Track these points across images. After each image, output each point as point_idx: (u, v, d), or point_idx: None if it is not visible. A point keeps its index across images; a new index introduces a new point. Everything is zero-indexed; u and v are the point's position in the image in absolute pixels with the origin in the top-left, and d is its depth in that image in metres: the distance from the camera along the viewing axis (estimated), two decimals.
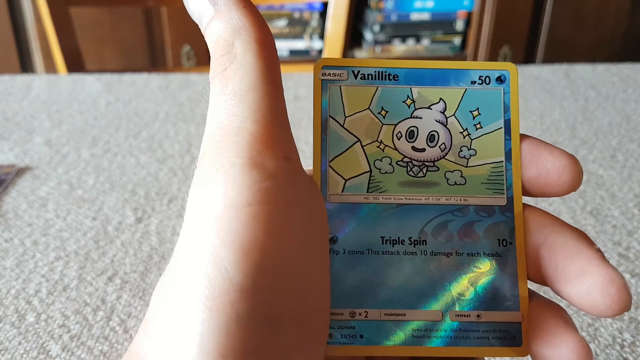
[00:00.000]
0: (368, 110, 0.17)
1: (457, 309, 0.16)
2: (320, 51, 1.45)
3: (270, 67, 0.15)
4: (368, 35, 1.48)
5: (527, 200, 0.17)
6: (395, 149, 0.17)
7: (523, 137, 0.17)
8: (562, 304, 0.18)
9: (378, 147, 0.17)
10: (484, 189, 0.17)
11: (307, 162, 0.17)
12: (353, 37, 1.51)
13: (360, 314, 0.16)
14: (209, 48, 0.16)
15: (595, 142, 0.48)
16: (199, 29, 0.17)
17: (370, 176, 0.17)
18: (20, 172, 0.43)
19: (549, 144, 0.17)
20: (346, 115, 0.17)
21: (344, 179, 0.17)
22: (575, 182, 0.16)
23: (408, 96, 0.17)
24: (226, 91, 0.15)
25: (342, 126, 0.17)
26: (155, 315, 0.13)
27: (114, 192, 0.41)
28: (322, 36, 1.44)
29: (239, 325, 0.12)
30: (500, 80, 0.17)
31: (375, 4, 1.44)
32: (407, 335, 0.16)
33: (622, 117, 0.52)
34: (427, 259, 0.16)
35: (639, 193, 0.41)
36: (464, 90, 0.17)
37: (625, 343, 0.29)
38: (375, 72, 0.17)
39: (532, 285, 0.17)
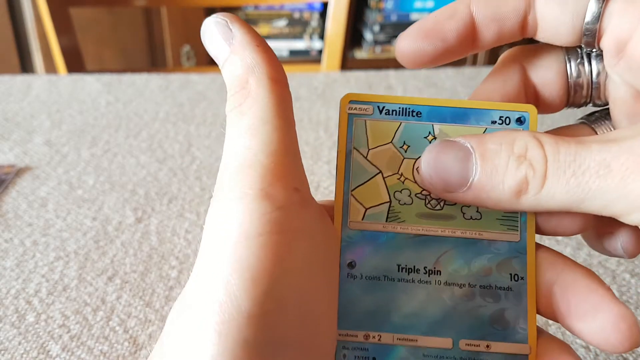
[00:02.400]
0: (390, 144, 0.18)
1: (467, 339, 0.17)
2: (320, 51, 1.45)
3: (282, 102, 0.16)
4: (368, 35, 1.48)
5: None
6: (415, 182, 0.18)
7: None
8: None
9: (398, 179, 0.18)
10: (498, 224, 0.17)
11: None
12: (353, 37, 1.51)
13: (374, 337, 0.17)
14: (226, 84, 0.17)
15: None
16: (199, 29, 0.17)
17: (390, 206, 0.18)
18: (20, 172, 0.43)
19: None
20: (369, 148, 0.18)
21: (364, 207, 0.18)
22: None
23: (430, 132, 0.18)
24: (241, 125, 0.16)
25: (366, 158, 0.18)
26: (169, 336, 0.14)
27: (114, 192, 0.41)
28: (322, 36, 1.44)
29: (246, 350, 0.13)
30: (520, 121, 0.18)
31: (375, 4, 1.44)
32: None
33: None
34: (441, 289, 0.17)
35: None
36: (484, 129, 0.18)
37: None
38: (399, 108, 0.18)
39: (539, 322, 0.18)
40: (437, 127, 0.18)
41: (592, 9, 0.17)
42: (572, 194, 0.15)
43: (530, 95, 0.20)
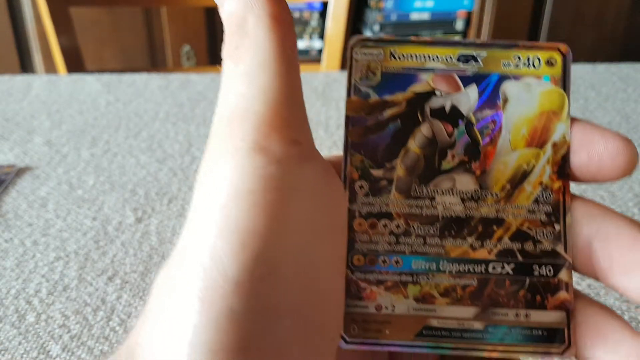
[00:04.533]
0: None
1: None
2: (320, 51, 1.45)
3: (284, 43, 0.14)
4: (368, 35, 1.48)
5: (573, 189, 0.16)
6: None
7: (573, 120, 0.16)
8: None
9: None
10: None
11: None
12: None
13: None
14: (224, 25, 0.15)
15: None
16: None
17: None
18: (20, 172, 0.43)
19: (600, 127, 0.15)
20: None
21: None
22: (630, 166, 0.15)
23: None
24: (237, 71, 0.14)
25: None
26: (153, 305, 0.13)
27: (114, 192, 0.41)
28: (322, 36, 1.44)
29: (232, 320, 0.12)
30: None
31: (375, 4, 1.44)
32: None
33: (622, 116, 0.52)
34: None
35: (639, 192, 0.41)
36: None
37: None
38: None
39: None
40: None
41: None
42: None
43: None
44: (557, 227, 0.15)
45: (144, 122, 0.51)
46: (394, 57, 0.16)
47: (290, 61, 0.14)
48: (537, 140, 0.16)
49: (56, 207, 0.39)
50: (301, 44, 1.46)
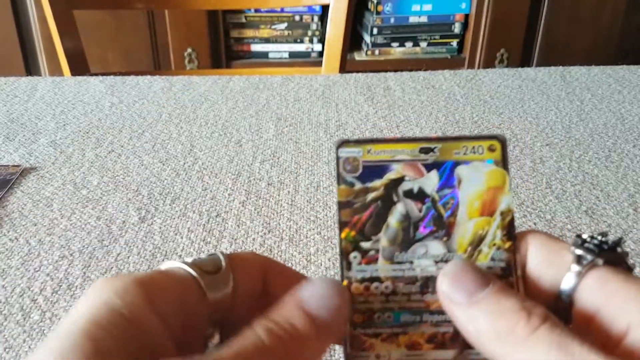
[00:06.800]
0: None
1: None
2: (320, 53, 1.45)
3: None
4: (367, 38, 1.49)
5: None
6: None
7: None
8: None
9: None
10: None
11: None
12: (352, 40, 1.52)
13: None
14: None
15: (591, 142, 0.48)
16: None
17: None
18: (25, 172, 0.44)
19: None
20: None
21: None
22: None
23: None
24: None
25: None
26: None
27: (118, 192, 0.41)
28: (322, 39, 1.45)
29: None
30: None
31: (374, 7, 1.45)
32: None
33: (617, 118, 0.53)
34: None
35: (634, 193, 0.41)
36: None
37: None
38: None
39: None
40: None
41: (569, 280, 0.18)
42: None
43: None
44: (511, 279, 0.19)
45: (147, 123, 0.52)
46: (370, 153, 0.20)
47: None
48: (488, 210, 0.19)
49: (61, 206, 0.40)
50: (301, 47, 1.47)
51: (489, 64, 1.45)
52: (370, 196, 0.20)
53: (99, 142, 0.49)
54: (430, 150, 0.20)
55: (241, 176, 0.43)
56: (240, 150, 0.47)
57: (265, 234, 0.37)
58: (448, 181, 0.20)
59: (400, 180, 0.20)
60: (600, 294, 0.17)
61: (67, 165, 0.45)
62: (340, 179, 0.20)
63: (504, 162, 0.20)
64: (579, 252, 0.18)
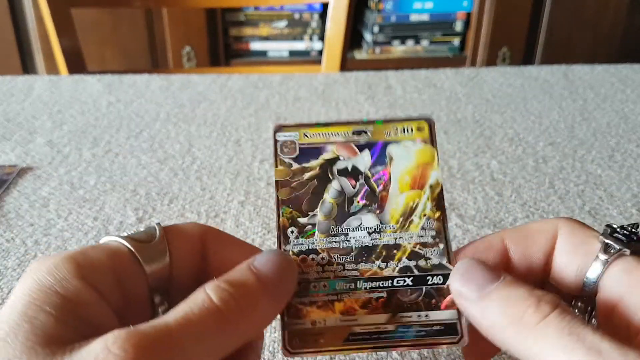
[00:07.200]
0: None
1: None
2: (320, 51, 1.45)
3: None
4: (367, 36, 1.49)
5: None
6: None
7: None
8: None
9: None
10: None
11: None
12: (353, 38, 1.51)
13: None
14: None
15: (594, 142, 0.48)
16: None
17: None
18: (22, 172, 0.44)
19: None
20: None
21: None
22: None
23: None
24: None
25: None
26: None
27: (115, 192, 0.41)
28: (322, 37, 1.45)
29: None
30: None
31: (374, 5, 1.44)
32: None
33: (621, 117, 0.53)
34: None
35: (637, 193, 0.41)
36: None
37: None
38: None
39: None
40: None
41: (595, 268, 0.18)
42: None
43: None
44: (441, 245, 0.21)
45: (145, 122, 0.51)
46: (307, 136, 0.22)
47: None
48: (418, 184, 0.21)
49: (57, 207, 0.39)
50: (301, 45, 1.46)
51: (491, 62, 1.45)
52: (307, 175, 0.21)
53: (96, 142, 0.48)
54: (363, 132, 0.22)
55: (240, 176, 0.43)
56: (239, 149, 0.47)
57: (264, 234, 0.37)
58: (380, 159, 0.21)
59: (335, 160, 0.21)
60: (624, 283, 0.17)
61: (64, 165, 0.45)
62: (277, 161, 0.21)
63: (432, 141, 0.22)
64: (608, 241, 0.18)
